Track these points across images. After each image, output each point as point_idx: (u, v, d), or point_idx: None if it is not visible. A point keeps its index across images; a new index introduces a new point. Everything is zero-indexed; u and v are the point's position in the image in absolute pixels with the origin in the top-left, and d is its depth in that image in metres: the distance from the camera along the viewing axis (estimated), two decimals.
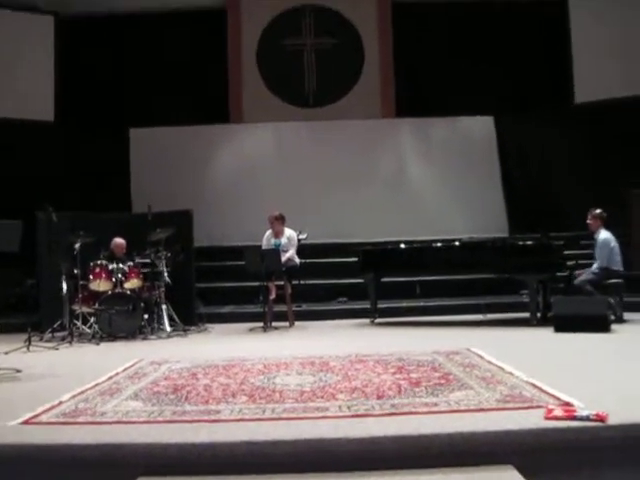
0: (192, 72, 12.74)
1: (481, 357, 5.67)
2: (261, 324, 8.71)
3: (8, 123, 11.69)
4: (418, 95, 12.61)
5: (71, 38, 12.61)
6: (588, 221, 8.46)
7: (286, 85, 13.00)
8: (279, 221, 9.31)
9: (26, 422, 3.85)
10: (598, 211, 8.40)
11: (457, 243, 8.85)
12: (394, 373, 5.07)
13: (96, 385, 4.94)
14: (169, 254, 8.77)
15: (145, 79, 12.64)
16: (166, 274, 8.71)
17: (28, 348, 7.24)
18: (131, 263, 8.61)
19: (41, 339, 8.11)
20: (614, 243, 8.21)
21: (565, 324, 7.25)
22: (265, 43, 13.03)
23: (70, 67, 12.56)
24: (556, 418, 3.51)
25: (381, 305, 9.20)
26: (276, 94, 12.96)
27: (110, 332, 8.14)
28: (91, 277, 8.37)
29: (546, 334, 7.31)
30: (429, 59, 12.72)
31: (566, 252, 8.58)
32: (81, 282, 8.26)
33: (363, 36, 13.05)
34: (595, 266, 8.15)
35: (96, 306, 8.24)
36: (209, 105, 12.80)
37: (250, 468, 3.27)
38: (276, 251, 8.90)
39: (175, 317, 8.84)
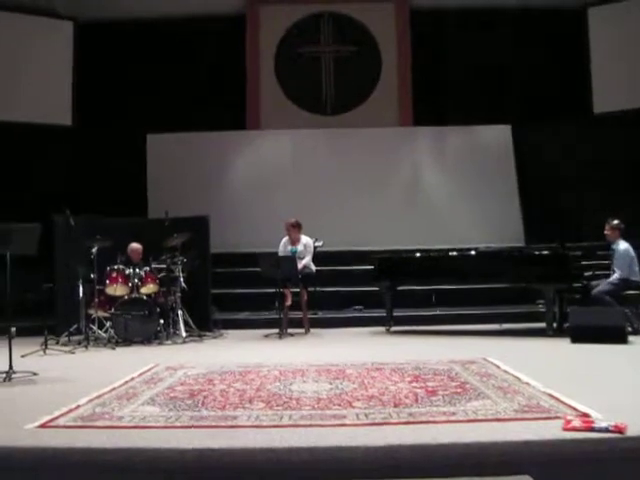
0: (210, 78, 12.81)
1: (497, 367, 5.65)
2: (276, 331, 8.71)
3: (27, 127, 11.81)
4: (436, 103, 12.62)
5: (90, 43, 12.70)
6: (606, 232, 8.41)
7: (304, 92, 13.03)
8: (296, 228, 9.32)
9: (43, 425, 3.86)
10: (616, 222, 8.35)
11: (473, 252, 8.83)
12: (410, 382, 5.05)
13: (113, 389, 4.95)
14: (185, 260, 8.79)
15: (163, 85, 12.71)
16: (182, 279, 8.73)
17: (44, 351, 7.31)
18: (147, 268, 8.64)
19: (57, 343, 8.15)
20: (633, 253, 8.16)
21: (582, 335, 7.20)
22: (283, 50, 13.08)
23: (88, 72, 12.65)
24: (574, 429, 3.49)
25: (397, 314, 9.17)
26: (294, 101, 13.00)
27: (126, 337, 8.17)
28: (108, 282, 8.41)
29: (562, 345, 7.26)
30: (447, 67, 12.73)
31: (583, 262, 8.54)
32: (98, 286, 8.29)
33: (381, 44, 13.07)
34: (615, 277, 8.08)
35: (112, 311, 8.28)
36: (226, 112, 12.83)
37: (268, 475, 3.27)
38: (292, 258, 8.91)
39: (191, 322, 8.85)
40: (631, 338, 7.33)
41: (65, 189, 11.10)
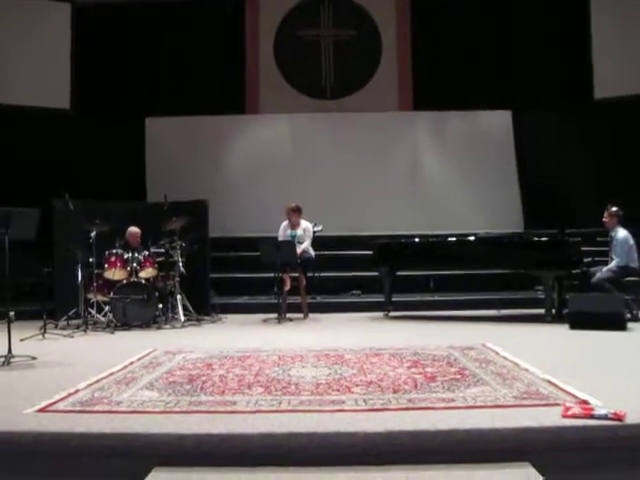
0: (209, 62, 12.77)
1: (496, 353, 5.64)
2: (275, 315, 8.71)
3: (25, 110, 11.76)
4: (436, 88, 12.57)
5: (88, 26, 12.64)
6: (604, 219, 8.39)
7: (303, 76, 12.99)
8: (295, 213, 9.30)
9: (42, 410, 3.86)
10: (615, 209, 8.33)
11: (472, 238, 8.81)
12: (409, 367, 5.05)
13: (111, 374, 4.95)
14: (184, 244, 8.78)
15: (162, 68, 12.69)
16: (181, 264, 8.73)
17: (43, 336, 7.32)
18: (146, 252, 8.63)
19: (56, 327, 8.17)
20: (632, 241, 8.14)
21: (580, 321, 7.20)
22: (283, 34, 13.03)
23: (86, 55, 12.60)
24: (574, 416, 3.49)
25: (395, 299, 9.17)
26: (293, 85, 12.96)
27: (124, 321, 8.18)
28: (106, 266, 8.40)
29: (561, 331, 7.26)
30: (447, 52, 12.69)
31: (582, 249, 8.54)
32: (96, 271, 8.28)
33: (381, 28, 13.01)
34: (613, 264, 8.07)
35: (111, 295, 8.27)
36: (225, 95, 12.80)
37: (266, 460, 3.26)
38: (291, 243, 8.90)
39: (189, 307, 8.86)
40: (630, 325, 7.33)
41: (64, 173, 11.06)
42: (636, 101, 11.58)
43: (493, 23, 12.59)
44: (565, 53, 12.52)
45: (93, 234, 8.13)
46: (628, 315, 7.57)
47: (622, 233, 8.16)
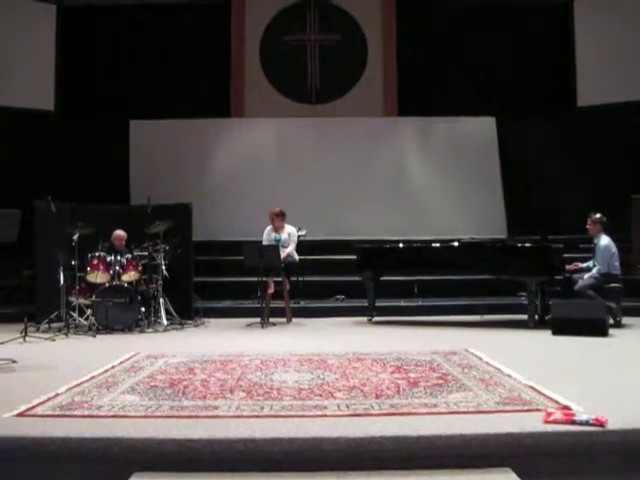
0: (194, 65, 12.73)
1: (479, 358, 5.66)
2: (258, 320, 8.67)
3: (8, 112, 11.65)
4: (421, 94, 12.58)
5: (73, 28, 12.58)
6: (588, 226, 8.42)
7: (289, 81, 12.97)
8: (279, 217, 9.27)
9: (21, 414, 3.82)
10: (598, 216, 8.37)
11: (456, 243, 8.83)
12: (392, 372, 5.05)
13: (92, 378, 4.92)
14: (167, 247, 8.74)
15: (147, 71, 12.60)
16: (164, 267, 8.68)
17: (24, 339, 7.24)
18: (129, 255, 8.58)
19: (37, 330, 8.10)
20: (615, 249, 8.18)
21: (563, 327, 7.24)
22: (269, 38, 13.00)
23: (71, 57, 12.53)
24: (555, 422, 3.50)
25: (379, 304, 9.17)
26: (278, 90, 12.93)
27: (107, 324, 8.11)
28: (89, 269, 8.33)
29: (544, 337, 7.29)
30: (433, 58, 12.71)
31: (565, 255, 8.58)
32: (79, 274, 8.22)
33: (367, 33, 13.02)
34: (595, 271, 8.12)
35: (93, 298, 8.21)
36: (211, 99, 12.77)
37: (248, 465, 3.25)
38: (275, 247, 8.87)
39: (172, 311, 8.81)
40: (612, 331, 7.37)
41: (47, 175, 10.98)
42: (618, 109, 11.66)
43: (478, 30, 12.63)
44: (549, 61, 12.58)
45: (76, 237, 8.07)
46: (610, 321, 7.62)
47: (605, 240, 8.20)
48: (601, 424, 3.43)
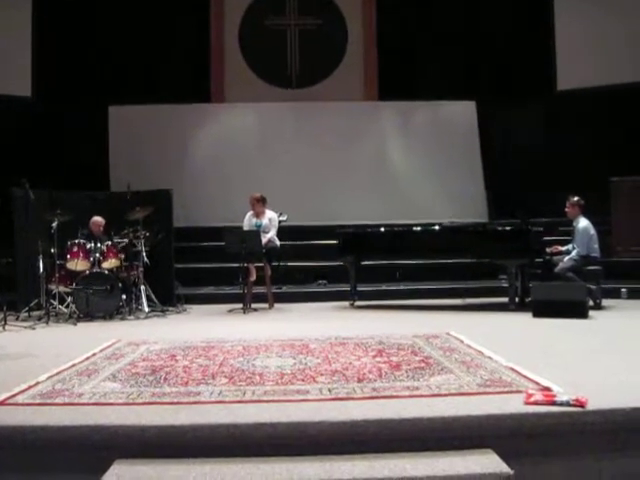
0: (173, 49, 12.62)
1: (461, 341, 5.68)
2: (240, 305, 8.66)
3: None
4: (401, 78, 12.57)
5: (50, 12, 12.35)
6: (566, 209, 8.48)
7: (268, 65, 12.90)
8: (260, 203, 9.24)
9: (1, 403, 3.79)
10: (576, 199, 8.42)
11: (437, 227, 8.86)
12: (374, 356, 5.06)
13: (73, 366, 4.88)
14: (148, 234, 8.69)
15: (125, 56, 12.44)
16: (145, 254, 8.64)
17: (4, 327, 7.20)
18: (109, 242, 8.52)
19: (17, 318, 8.04)
20: (593, 231, 8.25)
21: (543, 309, 7.30)
22: (248, 22, 12.91)
23: (49, 42, 12.31)
24: (536, 403, 3.52)
25: (361, 288, 9.19)
26: (258, 74, 12.87)
27: (87, 312, 8.06)
28: (68, 256, 8.27)
29: (524, 319, 7.34)
30: (413, 42, 12.71)
31: (545, 238, 8.64)
32: (58, 261, 8.15)
33: (347, 17, 12.98)
34: (574, 253, 8.17)
35: (73, 286, 8.15)
36: (190, 84, 12.69)
37: (230, 451, 3.24)
38: (256, 232, 8.86)
39: (153, 298, 8.77)
40: (592, 313, 7.44)
41: (24, 161, 10.85)
42: (598, 93, 11.69)
43: (459, 15, 12.61)
44: (529, 45, 12.57)
45: (55, 224, 8.00)
46: (590, 303, 7.68)
47: (583, 223, 8.26)
48: (581, 405, 3.45)
